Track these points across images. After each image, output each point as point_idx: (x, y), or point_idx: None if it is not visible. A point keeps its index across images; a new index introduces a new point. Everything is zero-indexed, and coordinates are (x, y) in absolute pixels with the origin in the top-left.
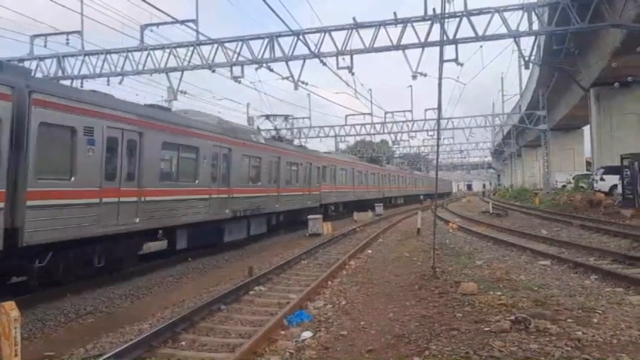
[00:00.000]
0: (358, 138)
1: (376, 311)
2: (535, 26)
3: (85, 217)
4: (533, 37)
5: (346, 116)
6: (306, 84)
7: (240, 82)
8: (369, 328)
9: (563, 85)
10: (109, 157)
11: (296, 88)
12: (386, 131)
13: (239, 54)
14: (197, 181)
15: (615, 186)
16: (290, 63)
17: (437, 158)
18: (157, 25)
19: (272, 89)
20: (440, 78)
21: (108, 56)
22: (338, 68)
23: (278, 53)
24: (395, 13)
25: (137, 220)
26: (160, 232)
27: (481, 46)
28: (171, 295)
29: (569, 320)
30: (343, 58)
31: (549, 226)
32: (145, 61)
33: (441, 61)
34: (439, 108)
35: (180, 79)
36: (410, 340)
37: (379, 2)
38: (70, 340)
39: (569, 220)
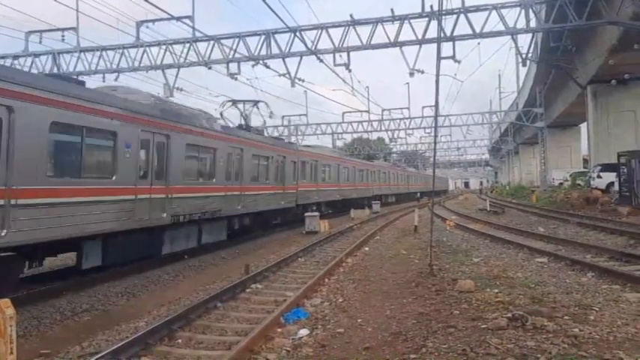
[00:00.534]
0: (355, 135)
1: (373, 309)
2: (532, 23)
3: None
4: (530, 35)
5: (343, 113)
6: (303, 81)
7: (236, 79)
8: (366, 325)
9: (561, 82)
10: None
11: (293, 85)
12: (383, 128)
13: (235, 51)
14: (114, 177)
15: (612, 183)
16: (287, 60)
17: (434, 156)
18: (153, 21)
19: (269, 86)
20: (437, 75)
21: (103, 53)
22: (335, 65)
23: (275, 50)
24: (392, 9)
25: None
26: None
27: (479, 43)
28: (167, 292)
29: (566, 317)
30: (340, 55)
31: (546, 224)
32: (141, 58)
33: (439, 58)
34: (436, 105)
35: (177, 76)
36: (407, 337)
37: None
38: (65, 338)
39: (566, 218)
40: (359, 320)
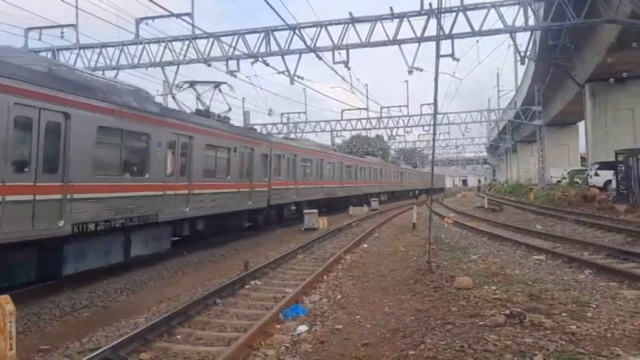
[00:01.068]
0: (354, 133)
1: (372, 305)
2: (531, 21)
3: None
4: (529, 33)
5: (342, 111)
6: (302, 78)
7: (235, 76)
8: (365, 322)
9: (559, 80)
10: None
11: (292, 82)
12: (382, 126)
13: (235, 48)
14: None
15: (610, 181)
16: (286, 57)
17: (432, 153)
18: (153, 18)
19: (268, 84)
20: (436, 73)
21: (103, 50)
22: (334, 63)
23: (274, 47)
24: (391, 7)
25: None
26: None
27: (477, 42)
28: (166, 289)
29: (564, 314)
30: (339, 53)
31: (544, 221)
32: (141, 55)
33: (438, 56)
34: (435, 103)
35: (176, 73)
36: (405, 333)
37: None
38: (65, 334)
39: (563, 215)
40: (357, 317)
